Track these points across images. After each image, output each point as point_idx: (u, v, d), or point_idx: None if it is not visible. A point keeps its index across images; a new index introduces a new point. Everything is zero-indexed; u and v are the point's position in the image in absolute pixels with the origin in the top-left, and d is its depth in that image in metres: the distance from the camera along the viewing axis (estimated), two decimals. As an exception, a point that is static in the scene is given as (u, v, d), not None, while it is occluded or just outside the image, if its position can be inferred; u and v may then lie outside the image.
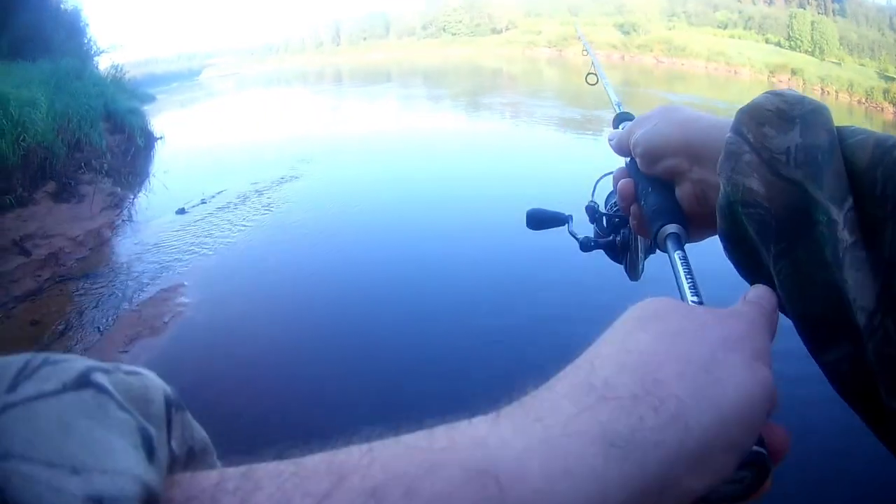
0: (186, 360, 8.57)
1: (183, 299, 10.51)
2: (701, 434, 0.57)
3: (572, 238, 1.76)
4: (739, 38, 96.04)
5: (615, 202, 1.64)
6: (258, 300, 10.77)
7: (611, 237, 1.66)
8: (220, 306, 10.41)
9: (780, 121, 0.86)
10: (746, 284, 0.90)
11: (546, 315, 9.60)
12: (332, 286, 11.37)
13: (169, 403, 0.49)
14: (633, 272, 1.58)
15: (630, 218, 1.25)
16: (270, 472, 0.47)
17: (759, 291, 0.84)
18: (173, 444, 0.47)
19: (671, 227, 1.03)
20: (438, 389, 7.42)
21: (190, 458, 0.51)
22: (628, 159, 1.29)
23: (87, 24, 32.78)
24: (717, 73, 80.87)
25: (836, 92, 70.21)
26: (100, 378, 0.43)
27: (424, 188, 18.57)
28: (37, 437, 0.37)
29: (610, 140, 1.36)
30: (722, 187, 0.89)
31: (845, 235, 0.72)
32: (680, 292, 0.88)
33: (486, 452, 0.51)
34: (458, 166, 21.29)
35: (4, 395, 0.38)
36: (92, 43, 32.03)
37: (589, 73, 3.08)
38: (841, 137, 0.83)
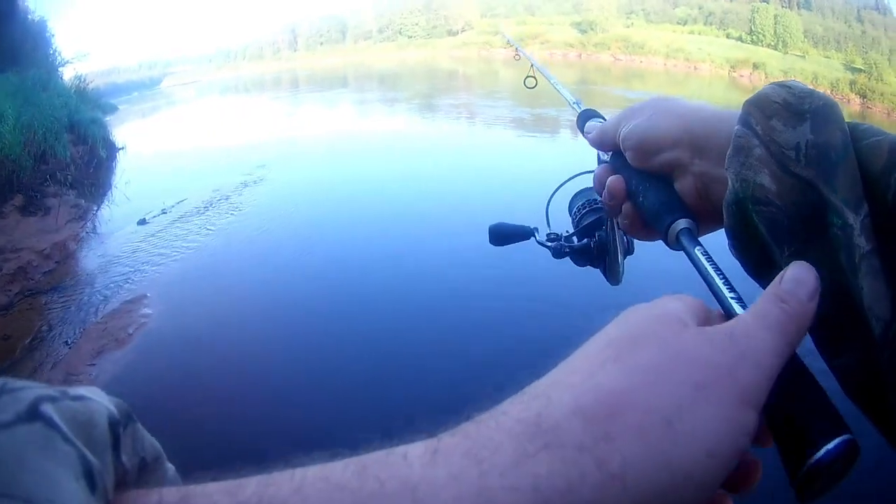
0: (151, 371, 8.77)
1: (146, 310, 10.68)
2: (640, 498, 0.53)
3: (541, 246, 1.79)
4: (700, 33, 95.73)
5: (583, 204, 1.71)
6: (220, 308, 10.95)
7: (585, 241, 1.64)
8: (183, 316, 10.62)
9: (788, 114, 0.86)
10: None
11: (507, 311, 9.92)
12: (294, 291, 11.62)
13: (115, 423, 0.54)
14: (613, 276, 1.56)
15: (620, 218, 1.19)
16: (206, 499, 0.53)
17: (798, 276, 0.73)
18: (124, 458, 0.53)
19: (683, 222, 0.99)
20: (404, 398, 7.73)
21: (142, 469, 0.58)
22: (609, 154, 1.26)
23: (53, 35, 32.43)
24: (677, 69, 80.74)
25: None
26: (48, 409, 0.46)
27: (381, 190, 18.68)
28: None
29: (587, 134, 1.33)
30: (730, 182, 0.87)
31: (861, 242, 0.72)
32: (713, 292, 0.81)
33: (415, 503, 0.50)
34: (412, 167, 21.50)
35: None
36: (57, 53, 31.70)
37: (528, 77, 3.31)
38: (854, 138, 0.83)
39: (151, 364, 8.97)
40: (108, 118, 33.15)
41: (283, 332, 9.97)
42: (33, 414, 0.45)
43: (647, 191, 1.08)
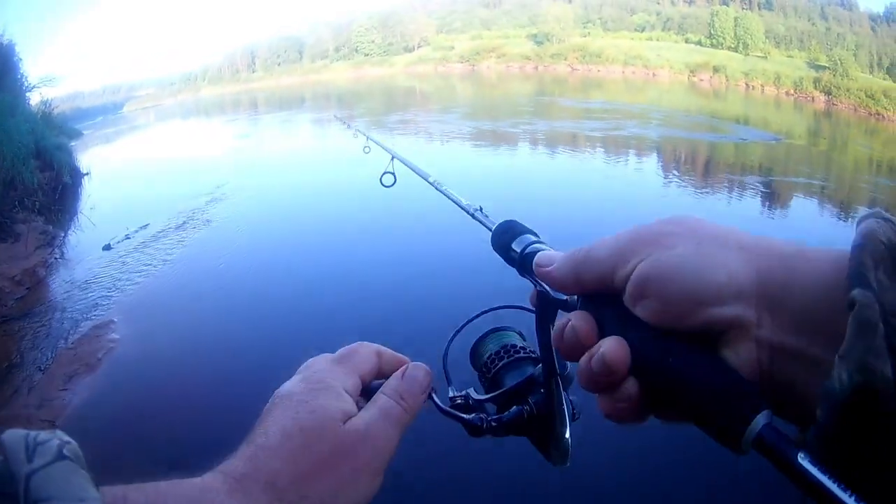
0: (121, 395, 8.96)
1: (113, 335, 10.83)
2: None
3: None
4: (658, 40, 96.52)
5: (499, 353, 1.27)
6: (186, 330, 11.15)
7: (515, 410, 1.15)
8: (150, 339, 10.78)
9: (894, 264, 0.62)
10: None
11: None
12: (258, 310, 11.82)
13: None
14: (559, 454, 1.11)
15: (611, 399, 0.81)
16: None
17: (415, 375, 1.06)
18: None
19: (763, 417, 0.66)
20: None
21: None
22: (577, 298, 0.92)
23: (20, 60, 32.01)
24: (635, 76, 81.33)
25: (762, 86, 71.79)
26: (66, 451, 0.70)
27: (337, 203, 19.04)
28: (60, 486, 0.64)
29: (541, 268, 0.95)
30: (844, 372, 0.59)
31: None
32: None
33: None
34: (366, 181, 21.17)
35: (28, 465, 0.63)
36: (24, 78, 31.26)
37: (385, 173, 3.43)
38: None
39: (121, 388, 9.14)
40: (73, 143, 32.94)
41: (248, 351, 10.10)
42: (61, 455, 0.68)
43: (685, 365, 0.74)
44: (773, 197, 21.00)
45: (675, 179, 23.27)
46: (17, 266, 13.74)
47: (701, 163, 27.18)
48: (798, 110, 54.60)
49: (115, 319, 11.49)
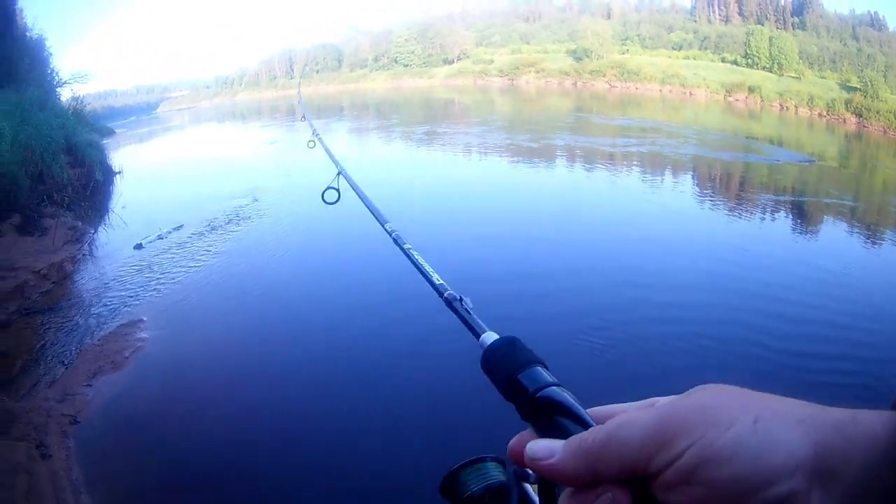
0: (147, 394, 8.82)
1: (142, 334, 10.73)
2: None
3: None
4: (695, 58, 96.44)
5: (480, 498, 1.13)
6: (215, 334, 11.03)
7: None
8: (179, 341, 10.68)
9: None
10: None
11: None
12: (290, 318, 11.67)
13: None
14: None
15: None
16: None
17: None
18: None
19: None
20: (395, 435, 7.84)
21: None
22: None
23: (51, 54, 32.31)
24: (672, 95, 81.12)
25: (796, 107, 71.31)
26: None
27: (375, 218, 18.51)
28: None
29: (542, 460, 0.76)
30: None
31: None
32: None
33: None
34: (414, 196, 21.21)
35: None
36: (55, 73, 31.52)
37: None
38: None
39: (147, 387, 9.01)
40: (105, 141, 33.33)
41: (276, 359, 10.01)
42: None
43: None
44: (806, 217, 20.88)
45: (710, 198, 23.32)
46: (42, 260, 13.70)
47: (736, 183, 27.20)
48: (830, 132, 54.30)
49: (145, 318, 11.40)
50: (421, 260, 1.67)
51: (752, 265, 14.51)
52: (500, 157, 31.77)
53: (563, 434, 0.78)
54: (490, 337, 1.08)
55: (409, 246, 1.81)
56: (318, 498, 6.75)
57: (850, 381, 8.99)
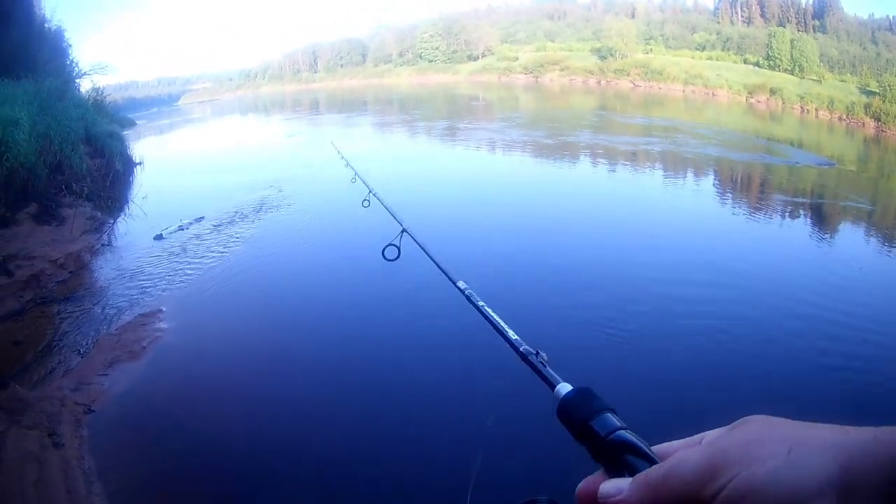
0: (165, 385, 8.73)
1: (161, 325, 10.66)
2: None
3: None
4: (717, 59, 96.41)
5: None
6: (235, 327, 10.94)
7: None
8: (197, 332, 10.60)
9: None
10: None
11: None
12: (311, 313, 11.59)
13: None
14: None
15: None
16: None
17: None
18: None
19: None
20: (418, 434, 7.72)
21: None
22: None
23: (70, 45, 32.43)
24: (695, 95, 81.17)
25: (816, 110, 71.15)
26: None
27: (405, 212, 18.44)
28: None
29: (611, 497, 0.87)
30: None
31: None
32: None
33: None
34: (436, 195, 21.19)
35: None
36: (74, 64, 31.62)
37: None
38: None
39: (164, 378, 8.92)
40: (125, 132, 33.48)
41: (295, 353, 9.96)
42: None
43: None
44: (824, 219, 20.76)
45: (731, 198, 23.31)
46: (59, 249, 13.67)
47: (756, 184, 27.17)
48: (849, 135, 54.01)
49: (164, 309, 11.32)
50: (496, 316, 1.67)
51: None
52: (522, 153, 31.79)
53: (630, 471, 0.89)
54: (565, 388, 1.14)
55: (483, 303, 1.81)
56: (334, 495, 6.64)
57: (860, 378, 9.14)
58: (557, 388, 1.15)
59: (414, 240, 3.06)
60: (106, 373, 8.87)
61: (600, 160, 29.51)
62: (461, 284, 2.12)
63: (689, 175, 27.10)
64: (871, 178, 33.40)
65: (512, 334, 1.52)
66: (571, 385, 1.13)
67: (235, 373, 9.23)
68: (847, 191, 26.79)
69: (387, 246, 3.20)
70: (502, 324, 1.60)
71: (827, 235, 18.76)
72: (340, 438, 7.59)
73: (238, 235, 16.31)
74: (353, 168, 5.85)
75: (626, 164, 29.20)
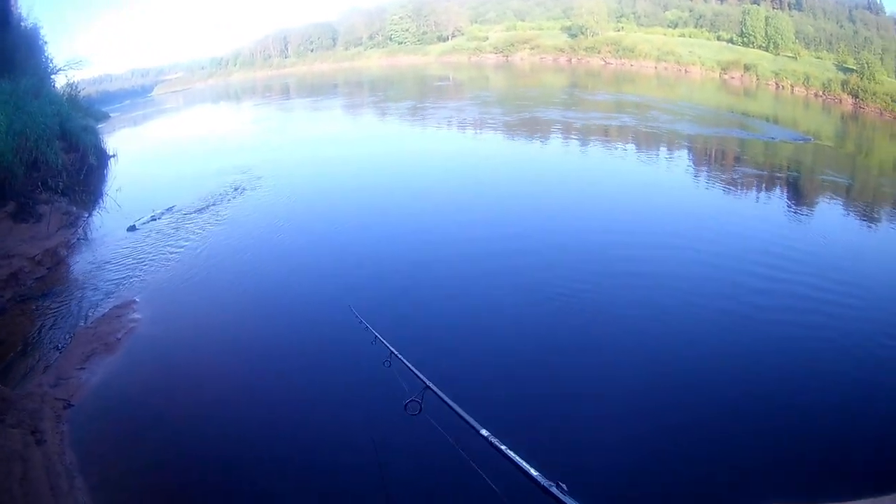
0: (140, 375, 8.87)
1: (135, 315, 10.79)
2: None
3: None
4: (690, 36, 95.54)
5: None
6: (207, 313, 11.09)
7: None
8: (170, 321, 10.71)
9: None
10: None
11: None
12: (280, 297, 11.68)
13: None
14: None
15: None
16: None
17: None
18: None
19: None
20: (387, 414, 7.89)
21: None
22: None
23: (46, 43, 32.14)
24: (667, 72, 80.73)
25: (792, 86, 71.03)
26: None
27: (367, 192, 18.81)
28: None
29: None
30: None
31: None
32: None
33: None
34: (396, 173, 21.31)
35: None
36: (49, 61, 31.36)
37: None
38: None
39: (140, 368, 9.05)
40: (99, 126, 33.23)
41: (267, 336, 10.05)
42: None
43: None
44: (801, 194, 20.68)
45: (706, 174, 23.15)
46: (37, 246, 13.73)
47: (731, 159, 26.87)
48: (826, 112, 53.98)
49: (137, 300, 11.46)
50: (517, 457, 1.84)
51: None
52: (491, 131, 31.80)
53: None
54: None
55: (505, 447, 1.99)
56: (308, 480, 6.81)
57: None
58: None
59: (438, 395, 3.26)
60: (83, 366, 8.99)
61: (571, 137, 29.50)
62: (484, 432, 2.30)
63: (662, 152, 27.10)
64: (849, 154, 33.45)
65: (533, 472, 1.69)
66: None
67: (209, 360, 9.36)
68: (823, 166, 26.89)
69: (409, 401, 3.42)
70: (524, 463, 1.77)
71: (801, 210, 18.85)
72: (315, 421, 7.72)
73: (208, 223, 16.45)
74: (373, 331, 5.94)
75: (597, 141, 29.01)
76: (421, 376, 3.60)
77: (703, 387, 8.27)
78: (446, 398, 2.97)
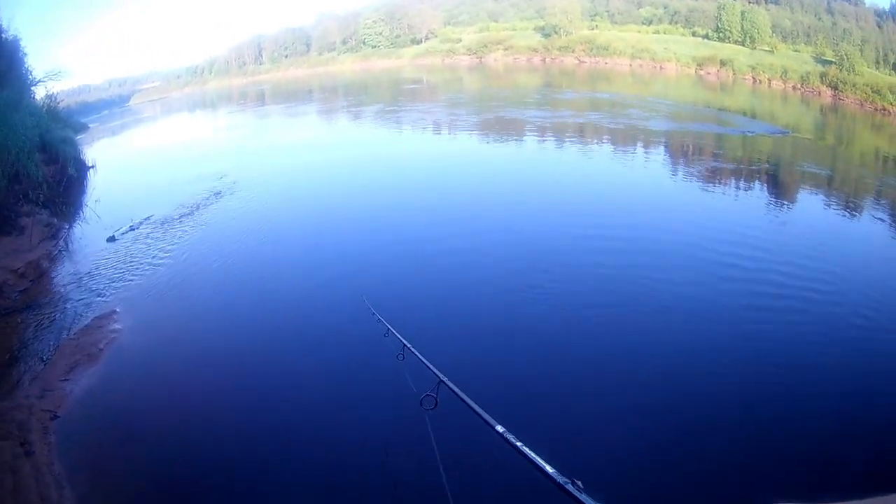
0: (123, 384, 9.02)
1: (116, 325, 10.92)
2: None
3: None
4: (665, 33, 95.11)
5: None
6: (187, 321, 11.24)
7: None
8: (151, 330, 10.86)
9: None
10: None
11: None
12: (260, 303, 11.81)
13: None
14: None
15: None
16: None
17: None
18: None
19: None
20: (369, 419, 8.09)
21: None
22: None
23: (26, 54, 31.93)
24: (642, 70, 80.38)
25: (769, 80, 70.88)
26: None
27: (344, 195, 19.20)
28: None
29: None
30: None
31: None
32: None
33: None
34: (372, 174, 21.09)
35: None
36: (29, 73, 31.13)
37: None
38: None
39: (123, 377, 9.20)
40: (78, 136, 33.10)
41: (247, 342, 10.17)
42: None
43: None
44: (780, 188, 21.12)
45: (683, 169, 23.46)
46: (20, 259, 13.80)
47: (708, 154, 26.97)
48: (805, 104, 53.98)
49: (118, 310, 11.57)
50: (532, 454, 1.90)
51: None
52: (465, 132, 32.08)
53: None
54: None
55: (521, 443, 2.03)
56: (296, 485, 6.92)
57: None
58: None
59: (453, 391, 3.34)
60: (68, 377, 9.12)
61: (546, 136, 29.89)
62: (499, 428, 2.38)
63: (638, 149, 27.36)
64: (829, 146, 33.78)
65: (549, 468, 1.77)
66: None
67: (190, 367, 9.51)
68: (802, 159, 27.30)
69: (424, 396, 3.49)
70: (539, 460, 1.85)
71: (783, 203, 19.23)
72: (300, 421, 7.90)
73: (185, 231, 16.61)
74: (386, 324, 6.00)
75: (570, 140, 29.35)
76: (435, 370, 3.67)
77: (712, 386, 8.49)
78: (461, 393, 3.05)
